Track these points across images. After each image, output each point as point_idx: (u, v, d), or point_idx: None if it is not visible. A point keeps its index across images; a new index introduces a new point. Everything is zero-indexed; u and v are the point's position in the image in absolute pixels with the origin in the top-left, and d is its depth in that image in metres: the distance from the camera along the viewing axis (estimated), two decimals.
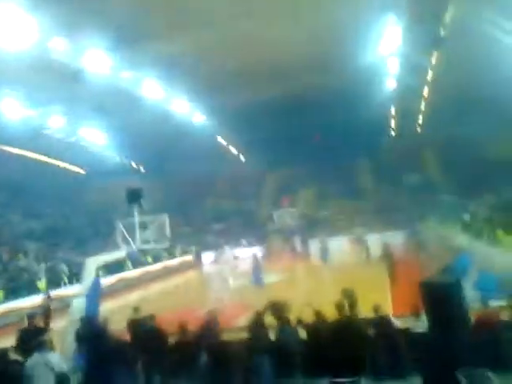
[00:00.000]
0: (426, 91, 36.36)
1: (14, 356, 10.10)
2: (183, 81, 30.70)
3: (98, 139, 40.52)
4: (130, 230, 16.49)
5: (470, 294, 10.75)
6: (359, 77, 31.95)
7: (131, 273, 29.41)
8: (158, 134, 39.78)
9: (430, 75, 32.66)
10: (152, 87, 30.61)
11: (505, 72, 29.36)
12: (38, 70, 24.03)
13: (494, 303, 10.59)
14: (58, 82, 25.74)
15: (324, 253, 27.54)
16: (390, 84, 34.47)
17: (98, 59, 24.96)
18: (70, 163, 45.27)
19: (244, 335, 10.04)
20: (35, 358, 7.91)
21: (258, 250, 31.40)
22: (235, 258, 28.74)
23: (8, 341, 11.76)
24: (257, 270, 19.51)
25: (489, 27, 24.67)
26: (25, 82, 25.85)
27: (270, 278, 19.43)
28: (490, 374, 6.67)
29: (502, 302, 10.68)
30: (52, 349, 8.34)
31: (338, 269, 22.35)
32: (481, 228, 24.54)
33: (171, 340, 10.76)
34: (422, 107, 40.39)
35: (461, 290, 9.21)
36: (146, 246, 17.49)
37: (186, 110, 36.54)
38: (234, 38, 26.28)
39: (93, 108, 30.43)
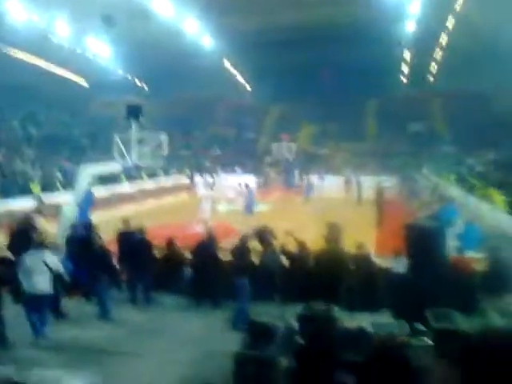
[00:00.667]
0: (443, 39, 35.23)
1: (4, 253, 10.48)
2: (195, 1, 29.64)
3: (103, 52, 39.56)
4: (128, 145, 16.54)
5: (452, 243, 11.08)
6: (377, 14, 30.86)
7: (125, 187, 29.69)
8: (164, 53, 38.83)
9: (450, 23, 31.52)
10: (162, 3, 29.55)
11: None
12: None
13: (472, 254, 10.92)
14: None
15: (308, 189, 27.65)
16: (408, 26, 33.22)
17: None
18: (76, 74, 44.41)
19: (228, 257, 10.40)
20: (33, 254, 8.23)
21: (252, 180, 31.74)
22: (228, 184, 29.02)
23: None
24: (249, 198, 19.76)
25: None
26: None
27: (261, 207, 19.75)
28: (454, 313, 7.05)
29: (480, 255, 11.04)
30: (48, 248, 8.66)
31: (328, 205, 22.66)
32: (475, 182, 24.77)
33: (159, 253, 11.15)
34: (437, 55, 39.29)
35: (442, 236, 9.53)
36: (141, 162, 17.59)
37: (195, 30, 35.48)
38: None
39: (101, 19, 29.43)
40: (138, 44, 36.32)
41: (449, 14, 30.10)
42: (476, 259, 10.48)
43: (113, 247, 10.80)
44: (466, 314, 7.70)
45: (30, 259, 8.14)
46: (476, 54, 35.46)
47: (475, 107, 39.72)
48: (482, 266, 9.99)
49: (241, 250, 9.65)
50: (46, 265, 8.13)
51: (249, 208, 18.35)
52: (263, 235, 10.62)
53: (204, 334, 8.37)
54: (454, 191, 22.94)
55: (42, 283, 8.04)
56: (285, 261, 10.31)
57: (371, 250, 11.53)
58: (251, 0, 30.60)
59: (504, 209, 17.54)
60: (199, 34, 36.27)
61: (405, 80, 46.03)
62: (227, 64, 44.91)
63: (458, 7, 28.28)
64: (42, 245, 8.53)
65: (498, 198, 19.08)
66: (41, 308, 8.09)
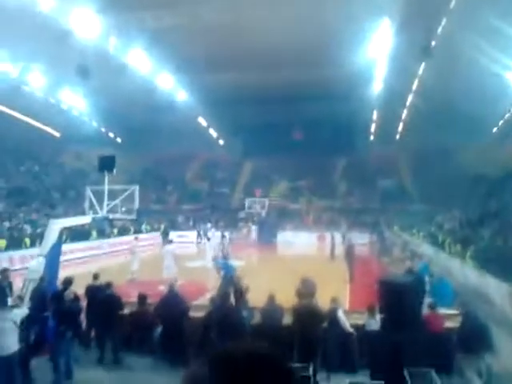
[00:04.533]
0: (409, 99, 36.72)
1: None
2: (170, 57, 30.32)
3: (78, 104, 39.71)
4: (99, 198, 16.38)
5: (425, 299, 11.07)
6: (346, 76, 32.10)
7: (96, 242, 29.11)
8: (138, 106, 39.26)
9: (415, 84, 32.97)
10: (138, 58, 30.04)
11: (482, 92, 30.13)
12: (22, 23, 23.21)
13: (445, 310, 10.91)
14: (43, 38, 24.99)
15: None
16: (375, 87, 34.56)
17: (86, 20, 24.19)
18: (47, 125, 44.15)
19: (201, 314, 10.12)
20: (2, 314, 7.89)
21: (225, 235, 31.71)
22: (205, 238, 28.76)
23: None
24: (225, 253, 19.37)
25: (474, 49, 25.30)
26: (6, 34, 24.99)
27: (234, 262, 19.47)
28: (433, 373, 6.94)
29: (453, 310, 11.04)
30: (16, 306, 8.32)
31: (302, 261, 22.61)
32: (444, 240, 25.19)
33: (128, 310, 10.79)
34: (404, 115, 40.83)
35: (417, 292, 9.54)
36: (113, 216, 17.37)
37: (170, 85, 36.05)
38: (227, 21, 26.02)
39: (76, 71, 29.73)
40: (113, 97, 36.62)
41: (413, 76, 31.54)
42: (449, 315, 10.48)
43: (82, 302, 10.43)
44: (443, 374, 7.61)
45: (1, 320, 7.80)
46: (437, 114, 37.05)
47: (440, 164, 41.02)
48: (456, 322, 9.98)
49: (218, 308, 9.33)
50: (15, 324, 7.79)
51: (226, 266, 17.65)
52: (237, 292, 10.46)
53: None
54: (425, 248, 23.23)
55: (10, 343, 7.68)
56: (258, 318, 10.12)
57: (344, 304, 11.44)
58: (225, 58, 31.48)
59: (471, 264, 17.80)
60: (174, 89, 36.85)
61: (373, 138, 47.42)
62: (201, 119, 45.52)
63: (420, 71, 29.72)
64: (8, 302, 8.19)
65: (466, 253, 19.41)
66: (10, 369, 7.66)
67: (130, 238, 32.77)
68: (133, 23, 25.18)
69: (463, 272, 17.00)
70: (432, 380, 6.83)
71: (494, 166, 37.10)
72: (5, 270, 11.18)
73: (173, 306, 9.72)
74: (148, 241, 32.62)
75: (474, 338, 9.32)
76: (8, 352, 7.63)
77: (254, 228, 38.73)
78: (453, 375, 8.67)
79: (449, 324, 9.95)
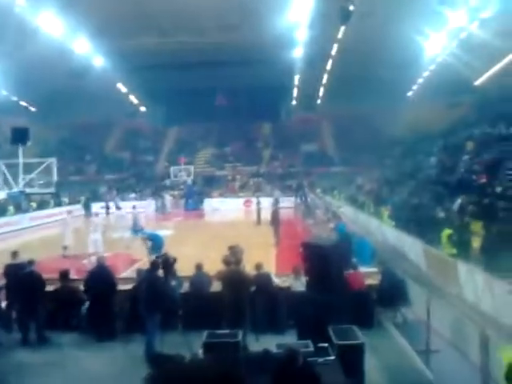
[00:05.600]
0: (329, 64, 37.28)
1: None
2: (86, 20, 28.63)
3: None
4: (14, 172, 15.63)
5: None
6: (268, 40, 31.99)
7: (14, 218, 27.71)
8: (53, 73, 36.93)
9: (334, 49, 33.46)
10: (50, 21, 28.02)
11: (401, 57, 31.25)
12: None
13: (365, 268, 11.51)
14: None
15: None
16: (296, 52, 34.75)
17: None
18: None
19: (129, 286, 10.03)
20: None
21: (151, 204, 31.43)
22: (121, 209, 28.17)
23: None
24: (136, 222, 19.00)
25: (392, 14, 26.13)
26: None
27: (161, 232, 19.32)
28: (355, 329, 7.37)
29: (373, 268, 11.70)
30: None
31: (229, 227, 22.88)
32: (364, 200, 26.36)
33: (52, 287, 10.44)
34: (324, 79, 41.51)
35: (344, 252, 9.99)
36: (29, 190, 16.60)
37: (86, 50, 34.15)
38: None
39: None
40: (25, 63, 34.15)
41: (333, 41, 31.96)
42: (369, 273, 11.09)
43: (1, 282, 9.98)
44: (365, 328, 8.11)
45: None
46: (356, 79, 38.04)
47: (359, 127, 42.48)
48: (375, 279, 10.60)
49: (150, 281, 9.16)
50: None
51: (137, 232, 17.52)
52: (165, 262, 10.44)
53: (106, 371, 7.86)
54: (346, 209, 24.15)
55: None
56: (187, 287, 10.19)
57: (270, 269, 11.73)
58: (144, 22, 30.36)
59: (389, 223, 18.77)
60: (90, 54, 34.93)
61: (295, 102, 48.00)
62: (120, 86, 43.69)
63: (339, 35, 30.15)
64: None
65: (385, 213, 20.42)
66: None
67: (50, 211, 31.56)
68: None
69: (382, 231, 17.87)
70: (355, 335, 7.25)
71: (408, 129, 39.01)
72: None
73: (102, 280, 9.54)
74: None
75: (391, 293, 9.98)
76: None
77: (180, 196, 38.47)
78: (373, 328, 9.25)
79: (369, 281, 10.54)
